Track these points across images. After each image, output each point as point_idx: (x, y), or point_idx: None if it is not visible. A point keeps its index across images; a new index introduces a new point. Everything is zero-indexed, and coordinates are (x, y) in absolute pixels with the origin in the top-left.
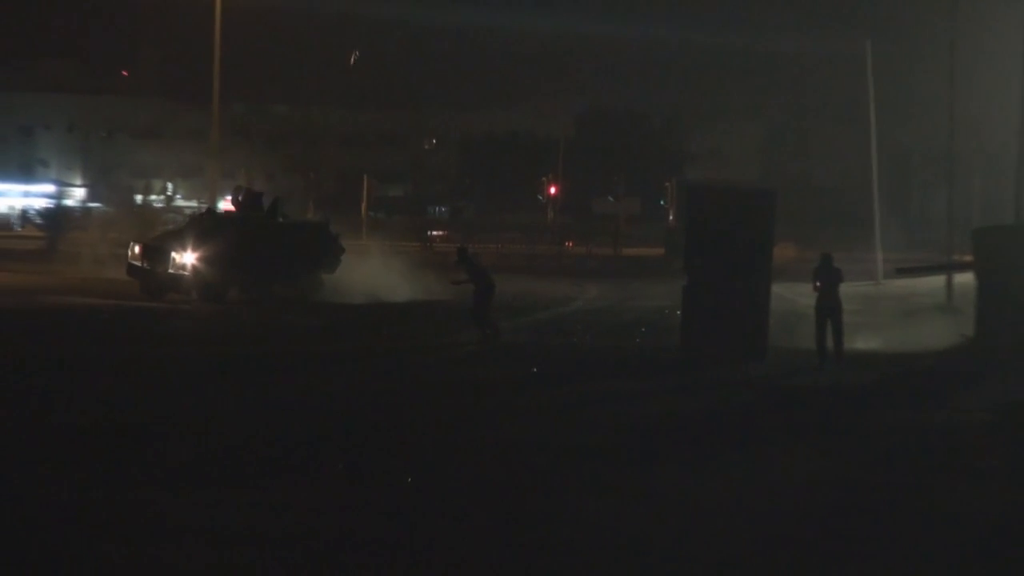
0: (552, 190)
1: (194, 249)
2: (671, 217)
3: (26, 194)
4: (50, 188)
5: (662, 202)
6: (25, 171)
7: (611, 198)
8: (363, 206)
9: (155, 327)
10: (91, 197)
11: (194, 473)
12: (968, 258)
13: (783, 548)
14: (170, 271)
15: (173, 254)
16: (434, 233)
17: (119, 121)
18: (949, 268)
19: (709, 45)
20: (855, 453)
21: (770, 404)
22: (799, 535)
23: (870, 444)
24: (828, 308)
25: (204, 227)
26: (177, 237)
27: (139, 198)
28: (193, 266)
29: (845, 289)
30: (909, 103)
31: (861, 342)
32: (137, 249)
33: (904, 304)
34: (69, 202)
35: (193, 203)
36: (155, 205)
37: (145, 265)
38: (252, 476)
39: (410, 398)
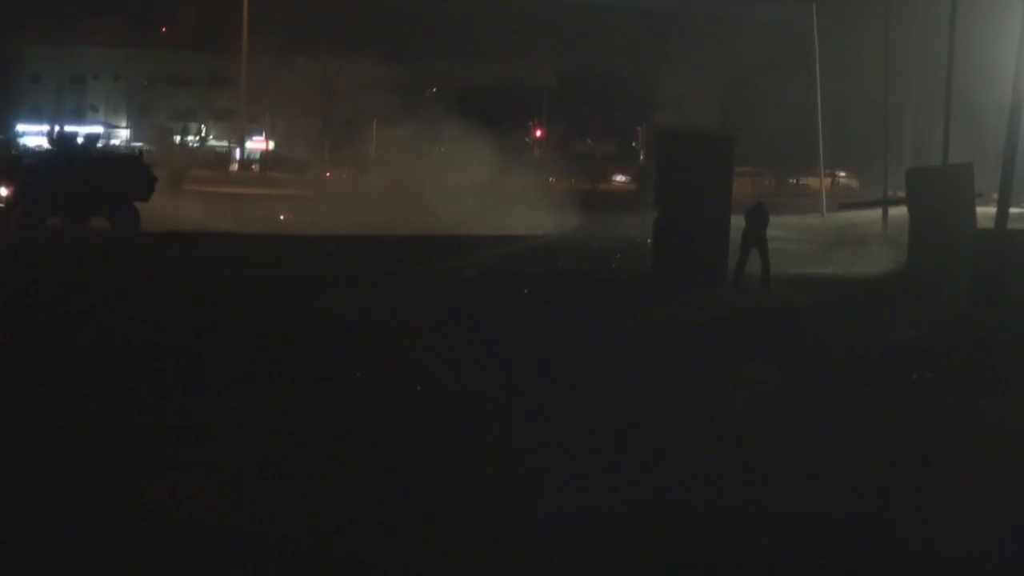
0: (538, 133)
1: (7, 184)
2: (641, 157)
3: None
4: (99, 128)
5: (634, 144)
6: (78, 115)
7: (589, 140)
8: (373, 147)
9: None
10: (134, 137)
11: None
12: (902, 195)
13: (736, 446)
14: None
15: None
16: None
17: (159, 71)
18: (885, 203)
19: (676, 9)
20: (801, 365)
21: (727, 322)
22: (747, 434)
23: (813, 357)
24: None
25: (17, 163)
26: None
27: (176, 138)
28: (6, 198)
29: (793, 220)
30: (850, 60)
31: (809, 267)
32: None
33: (845, 235)
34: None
35: (224, 143)
36: (191, 144)
37: None
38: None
39: (414, 317)
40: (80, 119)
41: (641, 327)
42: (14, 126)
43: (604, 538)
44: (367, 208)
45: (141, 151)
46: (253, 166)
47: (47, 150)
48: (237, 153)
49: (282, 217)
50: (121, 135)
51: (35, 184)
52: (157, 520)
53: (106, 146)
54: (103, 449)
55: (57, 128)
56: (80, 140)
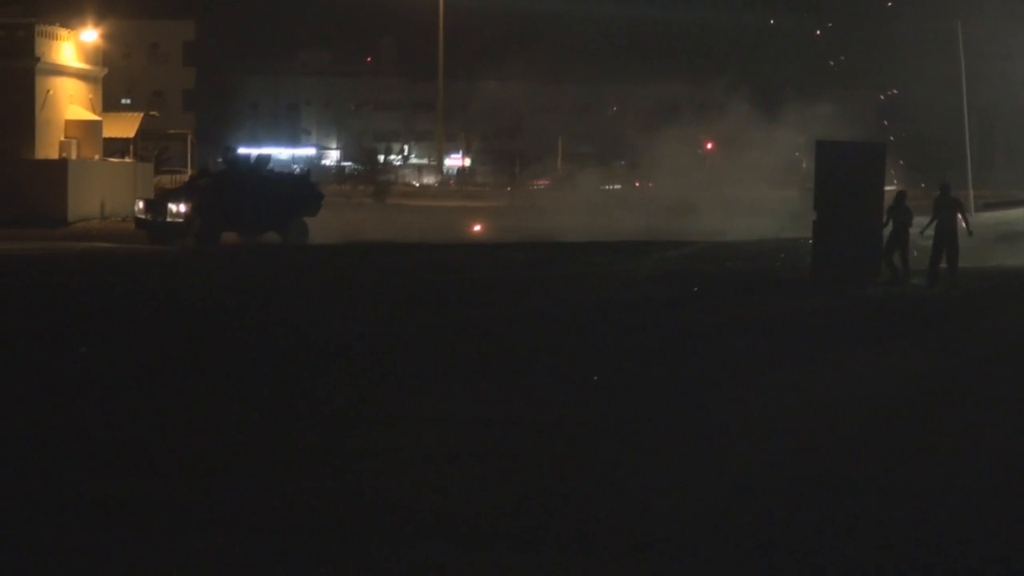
0: (708, 146)
1: (186, 201)
2: (804, 165)
3: (292, 157)
4: (311, 151)
5: (796, 154)
6: (292, 139)
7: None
8: (558, 161)
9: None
10: (343, 158)
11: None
12: None
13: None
14: (168, 220)
15: (170, 205)
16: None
17: (365, 96)
18: None
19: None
20: (951, 351)
21: (884, 311)
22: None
23: (957, 345)
24: (945, 234)
25: (195, 183)
26: (173, 192)
27: (381, 158)
28: (186, 215)
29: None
30: (994, 70)
31: (972, 262)
32: (141, 205)
33: (992, 231)
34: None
35: (424, 160)
36: (394, 163)
37: (148, 217)
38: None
39: (594, 313)
40: (295, 143)
41: (797, 320)
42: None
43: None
44: (556, 217)
45: (309, 170)
46: (451, 181)
47: (222, 170)
48: (437, 169)
49: (476, 227)
50: (332, 156)
51: (211, 201)
52: (360, 502)
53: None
54: (306, 437)
55: (230, 149)
56: (252, 160)
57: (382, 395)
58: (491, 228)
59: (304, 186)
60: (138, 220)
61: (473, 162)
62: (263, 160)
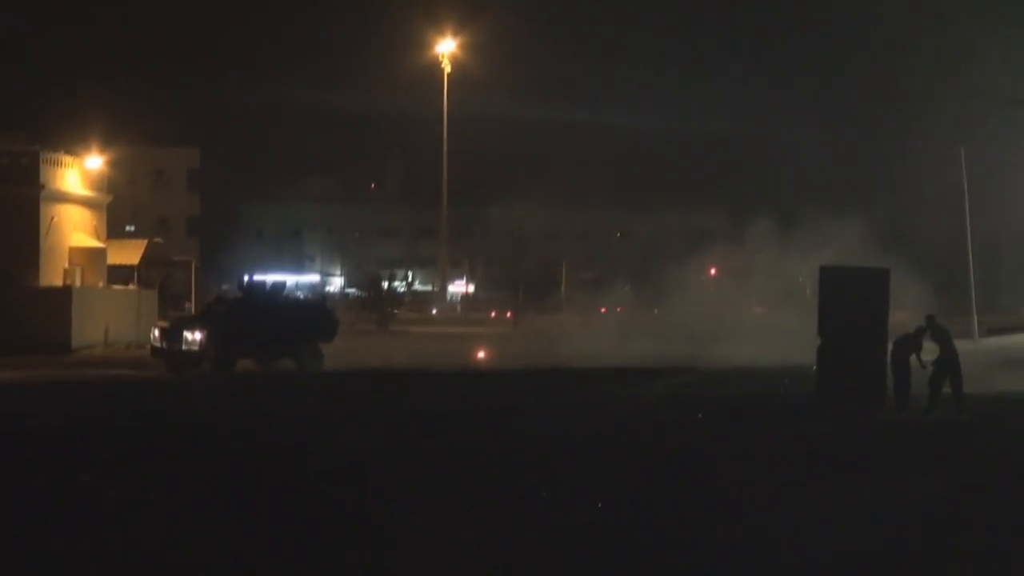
0: (712, 271)
1: (202, 329)
2: (807, 291)
3: (296, 283)
4: (316, 277)
5: (800, 279)
6: (296, 266)
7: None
8: (562, 287)
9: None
10: (347, 284)
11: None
12: None
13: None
14: (184, 348)
15: (186, 333)
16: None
17: (368, 223)
18: None
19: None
20: (955, 473)
21: (886, 438)
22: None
23: (981, 470)
24: (947, 361)
25: (211, 310)
26: (189, 320)
27: (384, 284)
28: (202, 342)
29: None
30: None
31: (974, 387)
32: (157, 332)
33: (995, 357)
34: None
35: (428, 287)
36: (398, 289)
37: (164, 345)
38: None
39: (596, 439)
40: (299, 269)
41: (801, 445)
42: (241, 276)
43: None
44: (561, 343)
45: (325, 296)
46: (456, 307)
47: (237, 297)
48: (441, 296)
49: (481, 354)
50: (336, 282)
51: (226, 328)
52: None
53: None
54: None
55: (247, 277)
56: (268, 287)
57: (379, 522)
58: (497, 355)
59: (319, 313)
60: (154, 348)
61: (477, 288)
62: (278, 287)
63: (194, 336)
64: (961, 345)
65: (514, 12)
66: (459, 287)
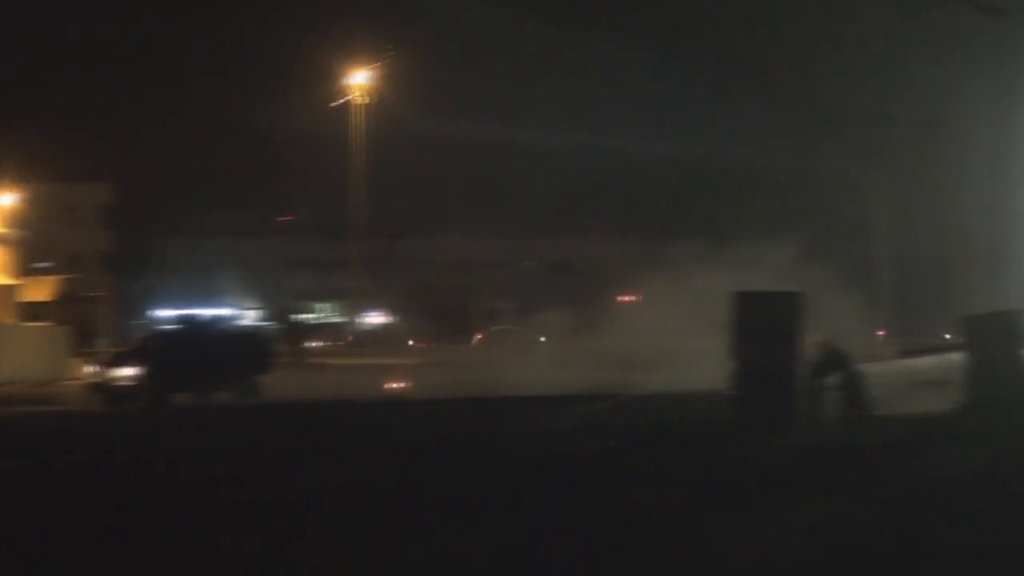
0: (627, 298)
1: (137, 363)
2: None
3: (213, 318)
4: (230, 312)
5: (713, 304)
6: (210, 300)
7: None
8: (478, 315)
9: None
10: (262, 318)
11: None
12: (958, 340)
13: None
14: (122, 384)
15: (121, 368)
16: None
17: (282, 256)
18: (943, 349)
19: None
20: (874, 499)
21: (798, 461)
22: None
23: (884, 492)
24: (850, 383)
25: (146, 344)
26: (124, 355)
27: (299, 317)
28: (138, 377)
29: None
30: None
31: (881, 409)
32: (94, 368)
33: (908, 379)
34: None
35: (343, 318)
36: (309, 322)
37: (99, 380)
38: None
39: (515, 470)
40: (212, 303)
41: (717, 470)
42: (152, 311)
43: None
44: (469, 372)
45: (260, 329)
46: (372, 338)
47: (173, 330)
48: (354, 327)
49: (396, 384)
50: (249, 316)
51: (162, 362)
52: None
53: (229, 324)
54: None
55: (182, 311)
56: (203, 321)
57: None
58: (411, 385)
59: (255, 345)
60: (90, 384)
61: (392, 319)
62: (214, 321)
63: (130, 371)
64: (873, 367)
65: (429, 42)
66: (374, 318)
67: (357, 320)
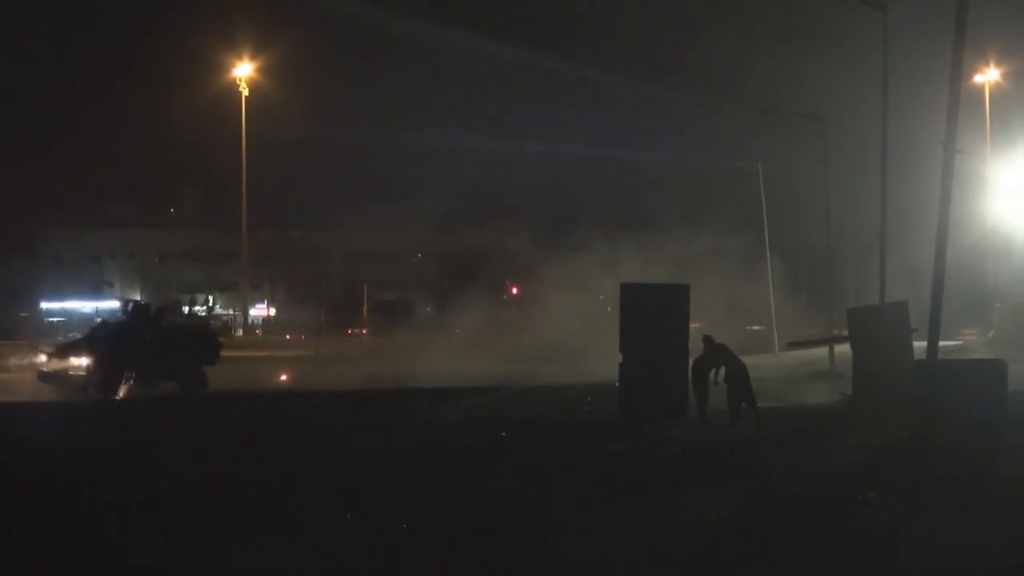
0: (514, 290)
1: (88, 354)
2: (609, 308)
3: (96, 309)
4: (115, 303)
5: (601, 297)
6: (96, 291)
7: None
8: (364, 308)
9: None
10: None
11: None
12: (845, 332)
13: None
14: (70, 373)
15: (72, 359)
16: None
17: (168, 248)
18: (831, 341)
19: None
20: (754, 491)
21: (687, 454)
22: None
23: (765, 483)
24: (735, 375)
25: (95, 334)
26: (74, 345)
27: (185, 309)
28: (87, 367)
29: (748, 360)
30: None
31: (767, 401)
32: (44, 357)
33: (796, 370)
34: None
35: (230, 311)
36: (199, 314)
37: (51, 370)
38: None
39: (400, 461)
40: (98, 295)
41: (604, 463)
42: (38, 303)
43: None
44: (364, 365)
45: (207, 321)
46: (256, 331)
47: (120, 321)
48: (242, 320)
49: (283, 377)
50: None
51: (111, 352)
52: None
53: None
54: None
55: (131, 301)
56: (152, 311)
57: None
58: (298, 377)
59: (203, 336)
60: (40, 373)
61: (279, 311)
62: (162, 311)
63: (79, 360)
64: (762, 359)
65: (313, 35)
66: (261, 310)
67: (244, 312)
